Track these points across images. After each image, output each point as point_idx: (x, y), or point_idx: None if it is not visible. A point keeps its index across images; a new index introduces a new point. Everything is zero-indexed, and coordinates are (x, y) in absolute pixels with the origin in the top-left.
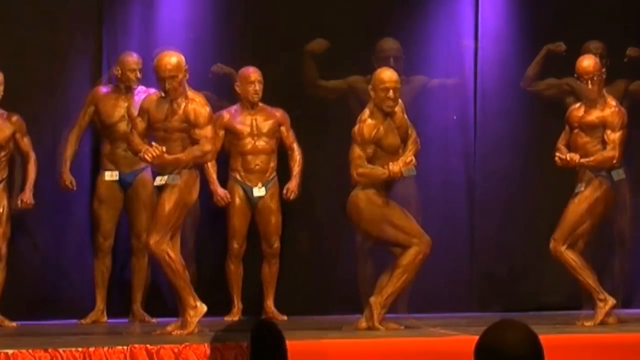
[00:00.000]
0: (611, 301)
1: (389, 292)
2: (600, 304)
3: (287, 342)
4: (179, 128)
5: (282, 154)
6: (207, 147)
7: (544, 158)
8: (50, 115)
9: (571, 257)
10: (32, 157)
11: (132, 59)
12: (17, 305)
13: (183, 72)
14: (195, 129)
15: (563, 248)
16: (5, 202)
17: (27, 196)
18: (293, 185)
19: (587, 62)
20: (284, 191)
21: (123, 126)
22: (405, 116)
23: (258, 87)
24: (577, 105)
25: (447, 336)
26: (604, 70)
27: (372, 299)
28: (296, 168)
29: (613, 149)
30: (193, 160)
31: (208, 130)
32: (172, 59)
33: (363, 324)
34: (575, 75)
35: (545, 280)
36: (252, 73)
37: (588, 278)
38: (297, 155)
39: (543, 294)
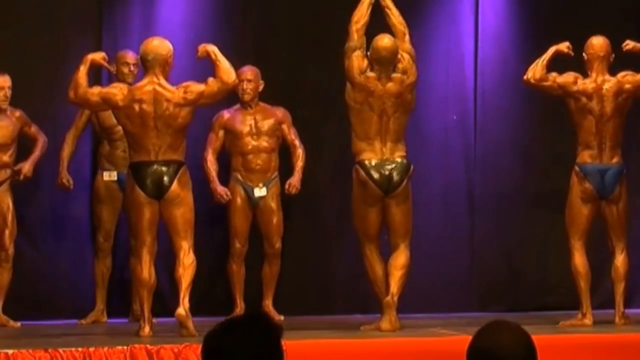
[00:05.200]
0: (588, 321)
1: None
2: (579, 316)
3: (288, 342)
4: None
5: (283, 154)
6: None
7: (543, 158)
8: (50, 115)
9: (577, 261)
10: (41, 139)
11: (128, 53)
12: (17, 305)
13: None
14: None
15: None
16: (10, 201)
17: (27, 169)
18: (295, 180)
19: (597, 40)
20: (286, 186)
21: (121, 129)
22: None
23: (246, 85)
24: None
25: (447, 336)
26: (612, 55)
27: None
28: (299, 163)
29: None
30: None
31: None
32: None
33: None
34: (584, 56)
35: (545, 280)
36: (242, 72)
37: (581, 289)
38: (300, 151)
39: (543, 294)
